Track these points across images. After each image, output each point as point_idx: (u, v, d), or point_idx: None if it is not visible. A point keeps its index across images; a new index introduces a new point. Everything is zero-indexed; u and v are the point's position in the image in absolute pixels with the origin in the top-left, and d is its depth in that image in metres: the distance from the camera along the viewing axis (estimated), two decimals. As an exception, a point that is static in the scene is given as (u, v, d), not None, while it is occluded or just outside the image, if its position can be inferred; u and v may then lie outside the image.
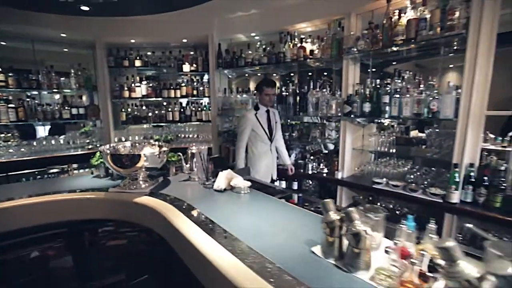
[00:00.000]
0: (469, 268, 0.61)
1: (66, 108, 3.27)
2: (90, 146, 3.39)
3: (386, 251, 0.73)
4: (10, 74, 2.96)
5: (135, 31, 3.15)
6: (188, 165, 1.87)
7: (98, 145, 3.38)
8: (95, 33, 3.10)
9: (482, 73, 1.78)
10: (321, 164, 2.80)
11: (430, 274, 0.70)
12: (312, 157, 2.91)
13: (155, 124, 3.65)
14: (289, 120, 3.09)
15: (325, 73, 3.00)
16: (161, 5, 2.74)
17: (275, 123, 2.59)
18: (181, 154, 1.89)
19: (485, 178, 1.83)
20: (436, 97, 1.88)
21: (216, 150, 3.31)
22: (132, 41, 3.32)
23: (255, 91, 2.63)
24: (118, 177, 1.87)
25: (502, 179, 1.78)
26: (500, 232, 1.77)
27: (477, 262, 0.67)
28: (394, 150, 2.52)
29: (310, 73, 3.03)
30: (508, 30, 1.75)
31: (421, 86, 1.99)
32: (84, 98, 3.57)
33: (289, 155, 3.20)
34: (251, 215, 1.26)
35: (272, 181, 2.61)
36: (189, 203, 1.41)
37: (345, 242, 0.83)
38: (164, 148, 1.71)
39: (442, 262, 0.64)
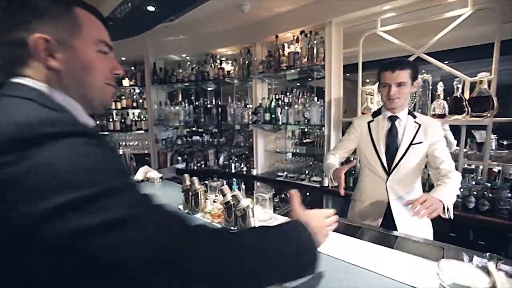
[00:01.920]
0: (244, 201, 1.17)
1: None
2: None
3: (207, 198, 1.29)
4: None
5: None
6: (116, 165, 2.30)
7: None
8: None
9: (336, 92, 2.53)
10: (242, 164, 3.39)
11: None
12: (236, 159, 3.48)
13: (104, 133, 3.91)
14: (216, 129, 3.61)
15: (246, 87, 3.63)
16: (111, 37, 3.09)
17: (409, 144, 1.41)
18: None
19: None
20: (308, 108, 2.59)
21: (155, 155, 3.72)
22: (72, 57, 3.61)
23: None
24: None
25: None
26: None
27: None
28: (297, 150, 3.22)
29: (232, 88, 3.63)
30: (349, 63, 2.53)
31: (299, 100, 2.70)
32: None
33: (218, 158, 3.74)
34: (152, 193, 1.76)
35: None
36: (109, 191, 1.85)
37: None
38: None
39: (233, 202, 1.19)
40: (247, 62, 3.05)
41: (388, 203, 1.46)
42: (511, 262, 1.00)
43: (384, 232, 1.39)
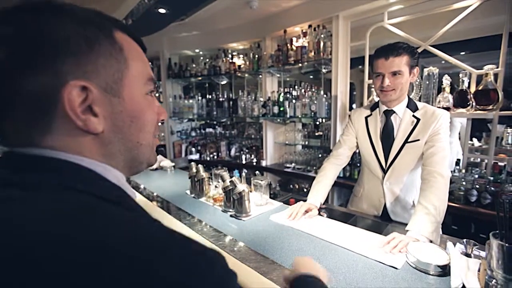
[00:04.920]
0: (241, 186, 1.29)
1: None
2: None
3: (210, 184, 1.42)
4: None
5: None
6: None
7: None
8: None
9: (343, 85, 2.56)
10: (252, 155, 3.51)
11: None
12: (247, 150, 3.61)
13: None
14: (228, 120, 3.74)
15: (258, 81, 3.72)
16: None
17: (404, 141, 1.30)
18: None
19: (349, 158, 2.61)
20: (315, 101, 2.65)
21: (170, 147, 3.93)
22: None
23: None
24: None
25: (359, 157, 2.57)
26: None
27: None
28: (306, 142, 3.30)
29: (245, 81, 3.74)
30: (356, 56, 2.55)
31: (306, 94, 2.76)
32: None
33: (230, 150, 3.89)
34: (164, 180, 1.93)
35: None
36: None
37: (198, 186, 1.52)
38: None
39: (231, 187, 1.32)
40: (257, 56, 3.13)
41: (385, 204, 1.40)
42: (483, 247, 1.07)
43: (378, 220, 1.46)
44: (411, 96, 2.19)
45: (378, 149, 1.37)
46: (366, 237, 1.07)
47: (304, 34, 2.64)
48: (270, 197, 1.71)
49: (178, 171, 2.24)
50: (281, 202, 1.64)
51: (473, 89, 1.91)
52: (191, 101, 3.67)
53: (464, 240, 1.01)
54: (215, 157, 3.81)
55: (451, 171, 2.06)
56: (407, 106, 1.33)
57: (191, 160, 3.49)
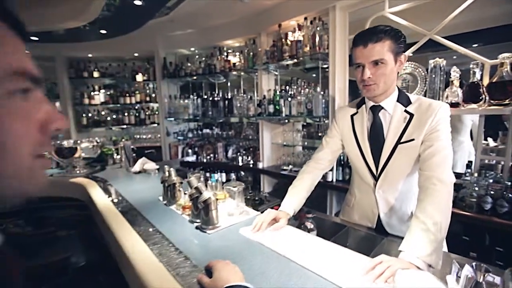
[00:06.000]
0: (206, 194, 1.12)
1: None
2: (54, 148, 3.83)
3: (179, 190, 1.27)
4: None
5: (91, 47, 3.63)
6: (119, 156, 2.38)
7: (61, 146, 3.81)
8: (53, 49, 3.56)
9: (341, 81, 2.37)
10: (249, 157, 3.34)
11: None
12: (244, 152, 3.44)
13: (121, 127, 4.10)
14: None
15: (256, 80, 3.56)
16: (110, 33, 3.19)
17: (396, 142, 1.10)
18: (112, 147, 2.40)
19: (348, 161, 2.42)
20: (311, 99, 2.46)
21: (166, 148, 3.82)
22: (90, 55, 3.81)
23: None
24: (67, 167, 2.35)
25: (359, 161, 2.37)
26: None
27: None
28: (306, 143, 3.11)
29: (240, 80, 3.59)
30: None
31: (302, 91, 2.58)
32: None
33: (227, 151, 3.73)
34: (142, 184, 1.79)
35: None
36: (106, 179, 1.92)
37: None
38: (95, 143, 2.22)
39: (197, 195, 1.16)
40: (252, 53, 2.97)
41: (379, 216, 1.21)
42: (500, 271, 0.87)
43: (372, 233, 1.27)
44: (414, 92, 2.00)
45: (366, 152, 1.17)
46: (349, 258, 0.88)
47: (300, 28, 2.46)
48: (256, 203, 1.55)
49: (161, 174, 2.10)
50: (263, 210, 1.47)
51: (486, 82, 1.69)
52: (186, 101, 3.55)
53: (474, 263, 0.81)
54: (212, 158, 3.66)
55: (463, 174, 1.84)
56: (398, 100, 1.11)
57: (184, 162, 3.36)
